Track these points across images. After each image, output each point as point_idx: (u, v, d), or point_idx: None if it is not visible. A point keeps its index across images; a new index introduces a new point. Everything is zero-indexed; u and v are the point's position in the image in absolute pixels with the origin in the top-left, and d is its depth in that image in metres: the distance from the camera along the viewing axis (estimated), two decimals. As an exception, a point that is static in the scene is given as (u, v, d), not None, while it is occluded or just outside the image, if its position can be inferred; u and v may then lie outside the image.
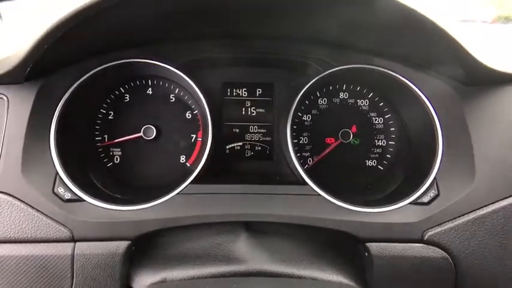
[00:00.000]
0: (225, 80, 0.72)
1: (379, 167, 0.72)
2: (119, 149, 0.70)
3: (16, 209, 0.54)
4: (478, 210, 0.55)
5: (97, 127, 0.70)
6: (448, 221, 0.56)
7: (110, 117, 0.70)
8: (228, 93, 0.73)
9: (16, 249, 0.53)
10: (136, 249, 0.55)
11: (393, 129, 0.72)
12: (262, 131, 0.73)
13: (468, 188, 0.56)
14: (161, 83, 0.71)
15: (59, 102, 0.60)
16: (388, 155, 0.72)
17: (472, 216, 0.55)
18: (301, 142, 0.73)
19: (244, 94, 0.73)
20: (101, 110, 0.70)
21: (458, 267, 0.54)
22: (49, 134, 0.58)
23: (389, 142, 0.72)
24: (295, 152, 0.66)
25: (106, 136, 0.70)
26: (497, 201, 0.55)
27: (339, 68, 0.65)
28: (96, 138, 0.70)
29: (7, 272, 0.54)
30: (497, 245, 0.55)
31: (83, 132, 0.67)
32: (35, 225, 0.54)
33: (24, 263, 0.53)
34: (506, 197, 0.55)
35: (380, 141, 0.73)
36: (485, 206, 0.55)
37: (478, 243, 0.55)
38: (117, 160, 0.70)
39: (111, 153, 0.70)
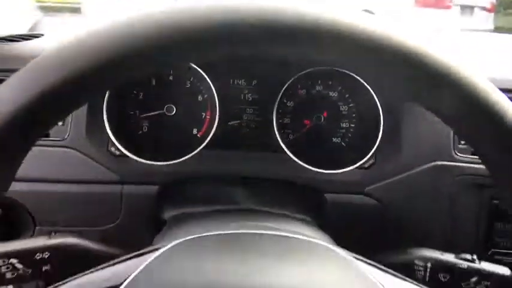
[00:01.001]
0: (230, 73, 0.95)
1: (342, 143, 0.96)
2: (147, 121, 0.93)
3: (80, 159, 0.77)
4: (405, 173, 0.80)
5: (130, 105, 0.92)
6: (381, 180, 0.81)
7: (140, 97, 0.93)
8: (231, 83, 0.95)
9: (79, 187, 0.77)
10: (165, 192, 0.79)
11: (354, 115, 0.96)
12: (256, 112, 0.96)
13: (397, 158, 0.81)
14: (180, 72, 0.93)
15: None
16: (349, 134, 0.96)
17: (400, 176, 0.80)
18: (284, 122, 0.96)
19: (244, 84, 0.96)
20: (134, 91, 0.92)
21: (386, 213, 0.80)
22: (102, 110, 0.81)
23: (351, 125, 0.96)
24: (279, 130, 0.89)
25: (137, 111, 0.92)
26: (422, 165, 0.81)
27: (315, 68, 0.88)
28: (130, 113, 0.92)
29: (69, 204, 0.77)
30: (421, 198, 0.80)
31: (122, 108, 0.90)
32: (94, 171, 0.77)
33: (85, 198, 0.76)
34: (430, 162, 0.80)
35: (344, 123, 0.96)
36: (412, 169, 0.81)
37: (403, 196, 0.80)
38: (145, 129, 0.93)
39: (141, 124, 0.93)
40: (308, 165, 0.84)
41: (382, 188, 0.80)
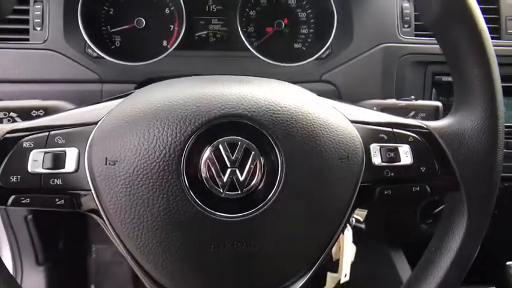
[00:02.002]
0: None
1: (302, 48, 1.05)
2: (119, 36, 0.99)
3: (61, 60, 0.83)
4: (358, 57, 0.90)
5: (102, 20, 0.98)
6: (336, 66, 0.90)
7: (110, 13, 0.98)
8: (196, -6, 1.02)
9: (62, 87, 0.83)
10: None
11: (312, 21, 1.05)
12: (221, 23, 1.03)
13: (350, 45, 0.91)
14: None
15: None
16: (308, 39, 1.05)
17: (353, 61, 0.90)
18: (248, 30, 1.04)
19: (207, -4, 1.02)
20: (104, 7, 0.98)
21: (340, 93, 0.90)
22: (77, 18, 0.86)
23: (309, 30, 1.05)
24: (245, 37, 0.97)
25: (108, 26, 0.98)
26: (371, 48, 0.90)
27: None
28: (102, 28, 0.98)
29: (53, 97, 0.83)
30: (371, 79, 0.90)
31: (96, 21, 0.95)
32: (74, 71, 0.83)
33: (68, 97, 0.82)
34: (379, 45, 0.89)
35: (303, 29, 1.05)
36: (362, 53, 0.91)
37: (356, 78, 0.90)
38: (118, 44, 0.99)
39: (113, 39, 0.99)
40: (271, 60, 0.93)
41: (337, 74, 0.90)
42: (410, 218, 0.94)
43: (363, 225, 0.88)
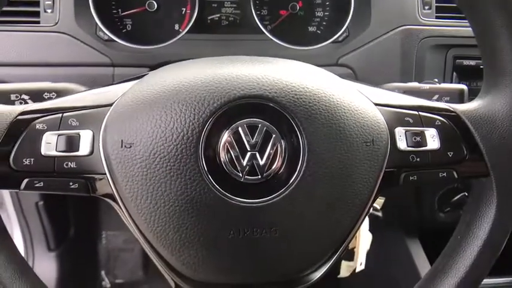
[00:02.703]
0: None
1: (317, 31, 1.02)
2: (130, 19, 0.97)
3: (72, 43, 0.81)
4: (376, 40, 0.87)
5: (113, 2, 0.96)
6: (353, 50, 0.87)
7: (121, -5, 0.96)
8: (208, -23, 0.99)
9: (74, 70, 0.82)
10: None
11: (327, 3, 1.02)
12: (234, 5, 1.01)
13: (368, 27, 0.88)
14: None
15: None
16: (324, 22, 1.02)
17: (370, 44, 0.87)
18: (262, 13, 1.01)
19: (220, -23, 1.00)
20: (114, -10, 0.95)
21: (357, 76, 0.87)
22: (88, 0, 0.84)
23: (325, 13, 1.02)
24: (259, 20, 0.95)
25: (119, 9, 0.96)
26: (390, 31, 0.87)
27: None
28: (113, 11, 0.96)
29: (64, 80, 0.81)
30: (390, 62, 0.87)
31: (107, 4, 0.93)
32: (86, 54, 0.82)
33: (79, 80, 0.81)
34: (398, 27, 0.87)
35: (318, 12, 1.02)
36: (381, 36, 0.87)
37: (374, 61, 0.87)
38: (129, 28, 0.97)
39: (124, 22, 0.97)
40: (286, 44, 0.90)
41: (354, 57, 0.87)
42: (428, 206, 0.92)
43: (379, 213, 0.86)
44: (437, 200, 0.93)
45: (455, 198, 0.91)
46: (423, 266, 0.93)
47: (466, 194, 0.93)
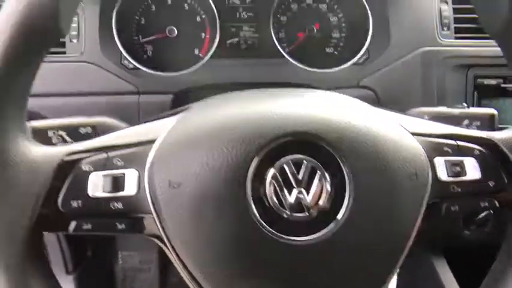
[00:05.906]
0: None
1: (334, 52, 1.03)
2: (150, 46, 0.98)
3: (98, 73, 0.82)
4: (396, 61, 0.88)
5: (133, 29, 0.97)
6: (374, 72, 0.88)
7: (142, 23, 0.98)
8: (227, 2, 1.01)
9: (99, 99, 0.82)
10: (179, 99, 0.86)
11: (344, 25, 1.03)
12: (252, 29, 1.02)
13: (387, 49, 0.89)
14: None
15: (114, 9, 0.87)
16: (341, 43, 1.03)
17: (391, 66, 0.88)
18: (280, 37, 1.02)
19: (238, 2, 1.01)
20: (135, 17, 0.97)
21: (380, 99, 0.88)
22: (112, 29, 0.86)
23: (342, 34, 1.03)
24: (279, 43, 0.96)
25: (140, 36, 0.98)
26: (410, 52, 0.88)
27: None
28: (134, 38, 0.97)
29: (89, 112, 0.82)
30: (411, 83, 0.88)
31: (127, 31, 0.95)
32: (111, 83, 0.83)
33: (105, 109, 0.82)
34: (417, 49, 0.88)
35: (335, 33, 1.03)
36: (401, 58, 0.88)
37: (395, 83, 0.88)
38: (150, 54, 0.98)
39: (145, 48, 0.98)
40: (306, 66, 0.91)
41: (375, 79, 0.88)
42: (453, 224, 0.92)
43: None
44: (463, 218, 0.93)
45: (481, 216, 0.91)
46: (450, 285, 0.92)
47: (492, 211, 0.93)
